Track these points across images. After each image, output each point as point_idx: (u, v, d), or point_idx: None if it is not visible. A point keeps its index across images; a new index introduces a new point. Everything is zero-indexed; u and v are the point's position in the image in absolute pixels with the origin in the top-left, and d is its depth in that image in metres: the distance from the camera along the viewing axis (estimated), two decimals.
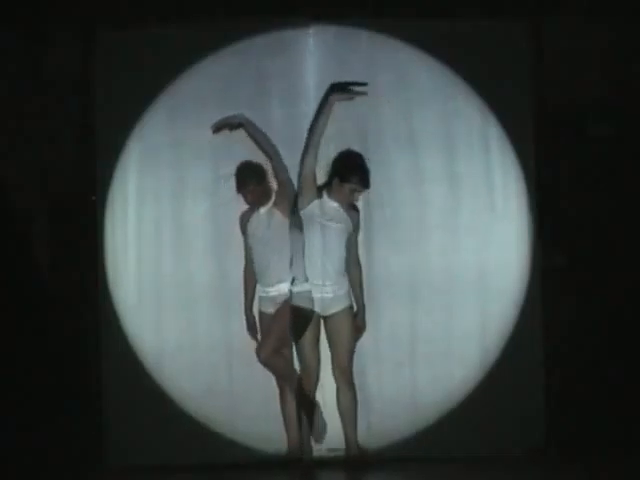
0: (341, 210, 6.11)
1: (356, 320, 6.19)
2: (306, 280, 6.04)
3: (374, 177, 6.39)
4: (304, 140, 6.26)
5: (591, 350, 6.59)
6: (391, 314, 6.45)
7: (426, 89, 6.52)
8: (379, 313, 6.42)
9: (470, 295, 6.48)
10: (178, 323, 6.45)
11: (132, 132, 6.49)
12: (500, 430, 6.38)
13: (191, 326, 6.45)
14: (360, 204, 6.34)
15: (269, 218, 6.17)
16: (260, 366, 6.34)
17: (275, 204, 6.19)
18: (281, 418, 6.25)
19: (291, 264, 6.11)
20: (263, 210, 6.20)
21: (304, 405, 6.10)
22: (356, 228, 6.19)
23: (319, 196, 6.11)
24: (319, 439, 6.17)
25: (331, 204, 6.10)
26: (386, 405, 6.41)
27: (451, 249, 6.48)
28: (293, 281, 6.09)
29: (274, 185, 6.23)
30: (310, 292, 6.04)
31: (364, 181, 6.09)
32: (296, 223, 6.09)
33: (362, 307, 6.22)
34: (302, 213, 6.06)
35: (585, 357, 6.58)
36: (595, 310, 6.61)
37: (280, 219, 6.15)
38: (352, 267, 6.18)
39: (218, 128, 6.19)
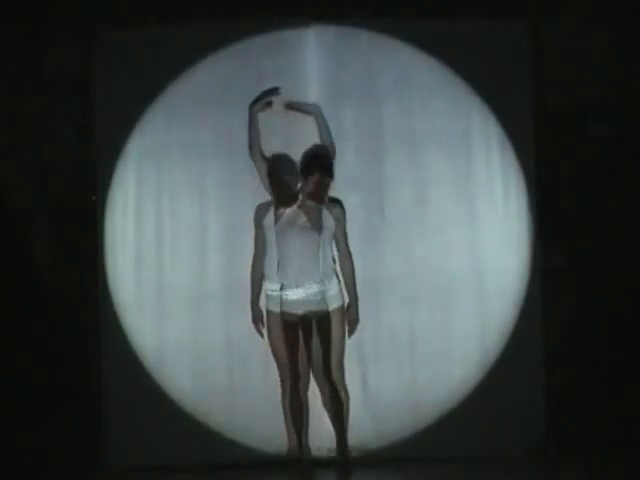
0: (319, 208, 6.07)
1: (348, 313, 6.14)
2: (294, 285, 6.02)
3: (375, 177, 6.41)
4: (303, 140, 6.30)
5: (591, 350, 6.59)
6: (391, 314, 6.45)
7: (426, 89, 6.52)
8: (379, 313, 6.42)
9: (470, 295, 6.48)
10: (178, 323, 6.45)
11: (132, 132, 6.50)
12: (500, 430, 6.38)
13: (191, 326, 6.45)
14: (359, 204, 6.35)
15: (292, 216, 6.12)
16: (260, 366, 6.35)
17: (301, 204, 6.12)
18: (281, 418, 6.23)
19: (277, 269, 6.09)
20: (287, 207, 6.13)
21: (297, 406, 6.12)
22: (339, 221, 6.11)
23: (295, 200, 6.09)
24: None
25: (307, 205, 6.06)
26: (386, 405, 6.41)
27: (451, 249, 6.48)
28: (282, 287, 6.06)
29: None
30: (298, 296, 6.02)
31: (324, 170, 6.04)
32: (280, 229, 6.06)
33: (354, 299, 6.15)
34: (282, 219, 6.05)
35: (585, 357, 6.58)
36: (595, 310, 6.61)
37: (303, 220, 6.10)
38: (342, 259, 6.15)
39: (291, 107, 6.26)
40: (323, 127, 6.26)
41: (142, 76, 6.47)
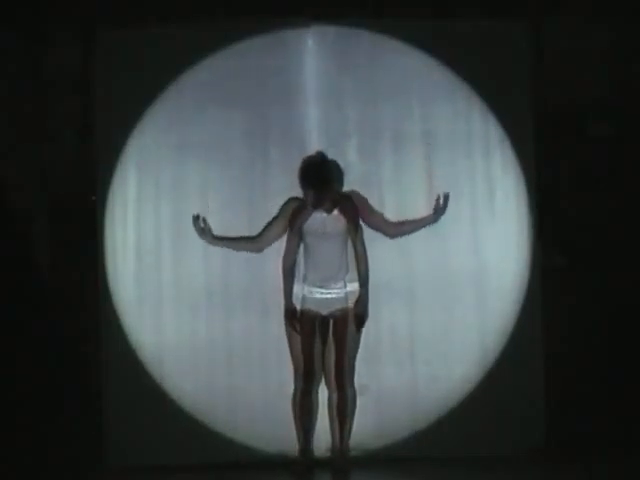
0: (325, 213, 6.05)
1: (357, 308, 6.05)
2: (309, 283, 6.02)
3: (375, 177, 6.40)
4: (304, 141, 6.36)
5: (591, 350, 6.59)
6: (391, 314, 6.45)
7: (426, 89, 6.52)
8: (379, 313, 6.41)
9: (470, 295, 6.48)
10: (178, 323, 6.45)
11: (132, 132, 6.50)
12: (500, 430, 6.38)
13: (191, 326, 6.45)
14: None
15: (330, 219, 6.04)
16: (260, 366, 6.36)
17: (341, 210, 6.06)
18: (282, 417, 6.22)
19: (306, 268, 6.06)
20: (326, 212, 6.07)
21: (312, 406, 6.12)
22: (351, 218, 6.03)
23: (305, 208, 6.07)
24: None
25: (316, 212, 6.05)
26: (386, 405, 6.41)
27: (451, 249, 6.48)
28: (312, 286, 6.04)
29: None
30: (314, 294, 6.02)
31: (316, 183, 5.94)
32: (315, 233, 6.03)
33: (364, 293, 6.06)
34: (316, 223, 6.00)
35: (585, 357, 6.58)
36: (595, 310, 6.61)
37: (341, 223, 6.05)
38: (358, 256, 6.07)
39: (441, 204, 6.16)
40: (417, 228, 6.21)
41: (142, 76, 6.47)
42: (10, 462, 6.22)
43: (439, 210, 6.16)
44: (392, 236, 6.25)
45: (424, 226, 6.21)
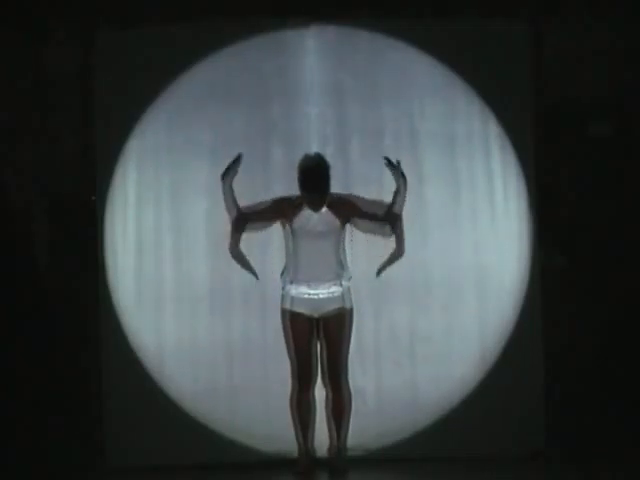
0: (321, 212, 6.07)
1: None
2: (299, 283, 6.03)
3: (375, 177, 6.40)
4: (304, 141, 6.38)
5: (591, 350, 6.59)
6: (391, 314, 6.45)
7: (426, 89, 6.52)
8: (379, 313, 6.42)
9: (470, 295, 6.48)
10: (178, 323, 6.45)
11: (132, 132, 6.50)
12: (500, 430, 6.38)
13: (191, 326, 6.45)
14: None
15: (321, 218, 6.08)
16: (260, 366, 6.36)
17: (333, 209, 6.10)
18: (282, 417, 6.23)
19: (285, 269, 6.11)
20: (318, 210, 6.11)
21: (309, 406, 6.13)
22: (347, 218, 6.11)
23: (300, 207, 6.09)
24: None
25: (305, 211, 6.07)
26: (386, 405, 6.41)
27: (451, 249, 6.48)
28: (285, 286, 6.09)
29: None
30: (304, 294, 6.03)
31: (313, 187, 6.01)
32: (289, 232, 6.08)
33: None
34: (307, 221, 6.04)
35: (585, 357, 6.58)
36: (595, 310, 6.61)
37: (333, 222, 6.09)
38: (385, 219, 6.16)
39: (389, 163, 6.14)
40: (401, 199, 6.14)
41: (142, 76, 6.47)
42: (10, 462, 6.22)
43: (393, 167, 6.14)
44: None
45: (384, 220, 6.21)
